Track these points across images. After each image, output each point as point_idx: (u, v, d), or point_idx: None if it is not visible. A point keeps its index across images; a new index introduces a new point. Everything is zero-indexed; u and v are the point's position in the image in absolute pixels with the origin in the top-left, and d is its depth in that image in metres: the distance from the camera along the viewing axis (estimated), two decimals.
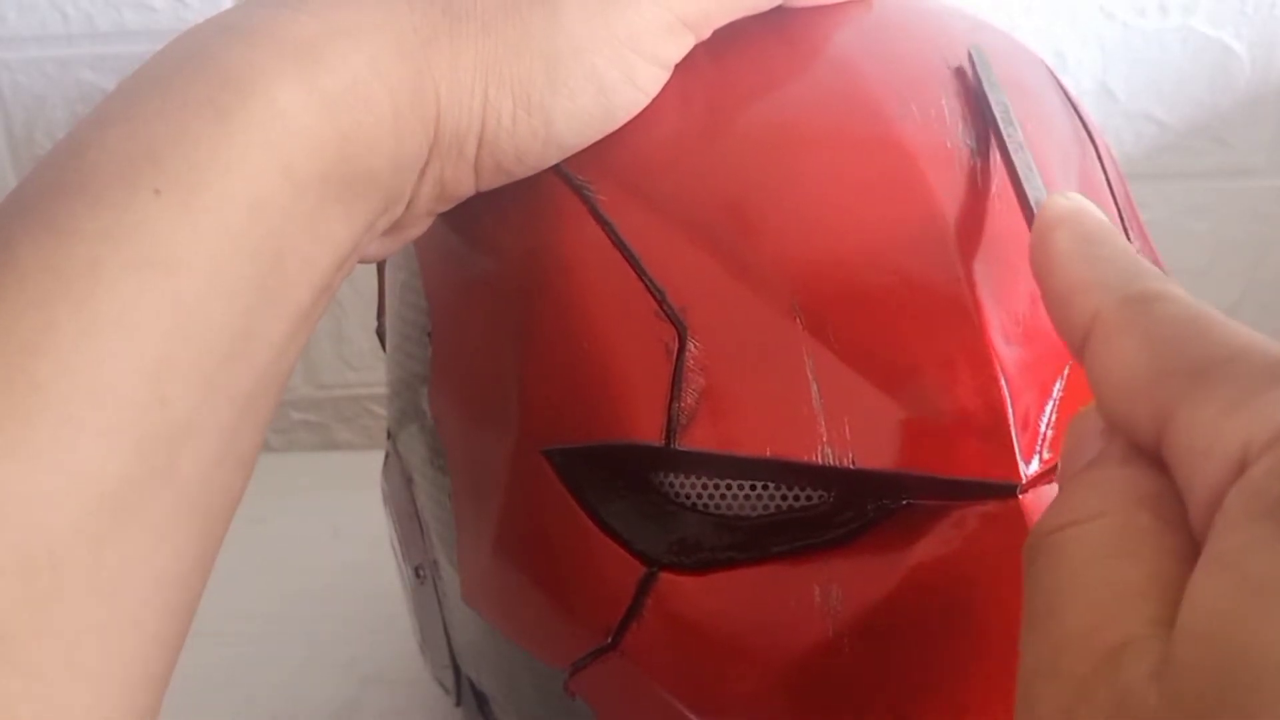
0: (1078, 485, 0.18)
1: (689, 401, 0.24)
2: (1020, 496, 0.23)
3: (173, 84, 0.22)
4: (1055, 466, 0.23)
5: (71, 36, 0.53)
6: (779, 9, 0.28)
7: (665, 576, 0.25)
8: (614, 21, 0.25)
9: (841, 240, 0.25)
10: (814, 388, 0.24)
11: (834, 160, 0.25)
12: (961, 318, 0.24)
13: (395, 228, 0.26)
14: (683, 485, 0.25)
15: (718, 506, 0.25)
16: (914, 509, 0.24)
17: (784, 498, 0.25)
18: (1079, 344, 0.19)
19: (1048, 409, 0.24)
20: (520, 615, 0.28)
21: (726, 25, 0.27)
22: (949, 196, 0.25)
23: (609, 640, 0.26)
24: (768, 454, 0.24)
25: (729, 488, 0.25)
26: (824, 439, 0.24)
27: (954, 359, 0.24)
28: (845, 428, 0.24)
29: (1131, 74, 0.54)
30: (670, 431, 0.24)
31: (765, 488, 0.25)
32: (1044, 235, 0.21)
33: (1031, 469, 0.23)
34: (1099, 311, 0.19)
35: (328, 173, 0.23)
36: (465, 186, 0.26)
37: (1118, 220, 0.28)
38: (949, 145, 0.26)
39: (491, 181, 0.26)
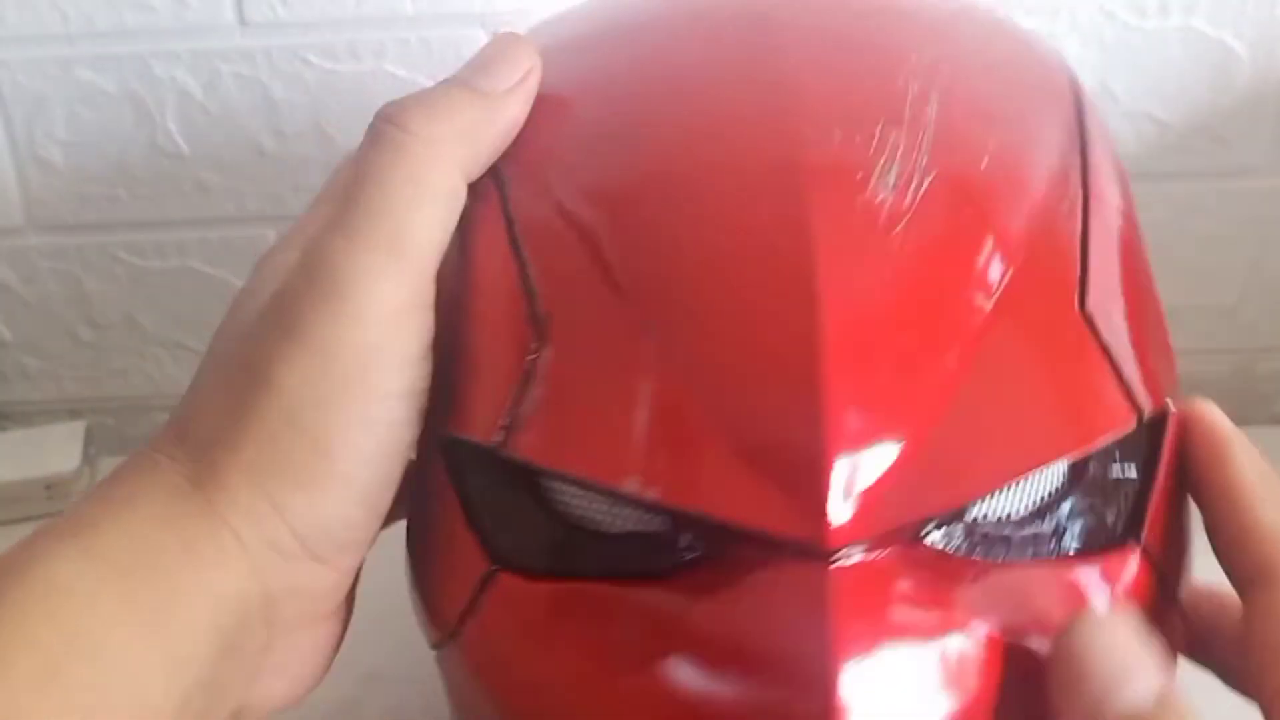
0: None
1: (526, 409, 0.24)
2: (829, 566, 0.22)
3: None
4: (883, 541, 0.22)
5: (71, 36, 0.53)
6: None
7: (503, 577, 0.25)
8: (336, 366, 0.24)
9: (709, 270, 0.24)
10: (645, 414, 0.23)
11: (725, 185, 0.25)
12: (804, 375, 0.22)
13: (288, 645, 0.26)
14: (560, 492, 0.25)
15: (582, 516, 0.25)
16: (739, 555, 0.23)
17: (638, 520, 0.25)
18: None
19: (876, 479, 0.22)
20: (412, 588, 0.28)
21: (682, 19, 0.27)
22: (831, 237, 0.23)
23: (454, 628, 0.26)
24: (578, 474, 0.24)
25: (593, 500, 0.25)
26: (636, 467, 0.23)
27: (788, 415, 0.22)
28: (662, 460, 0.23)
29: (1131, 74, 0.54)
30: (504, 436, 0.24)
31: (626, 504, 0.24)
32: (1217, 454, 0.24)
33: (846, 539, 0.22)
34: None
35: (133, 632, 0.22)
36: (319, 577, 0.26)
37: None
38: (858, 178, 0.24)
39: (348, 555, 0.26)
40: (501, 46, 0.27)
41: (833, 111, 0.25)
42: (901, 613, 0.22)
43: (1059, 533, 0.24)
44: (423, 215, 0.25)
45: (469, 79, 0.27)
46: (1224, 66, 0.54)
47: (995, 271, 0.24)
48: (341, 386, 0.24)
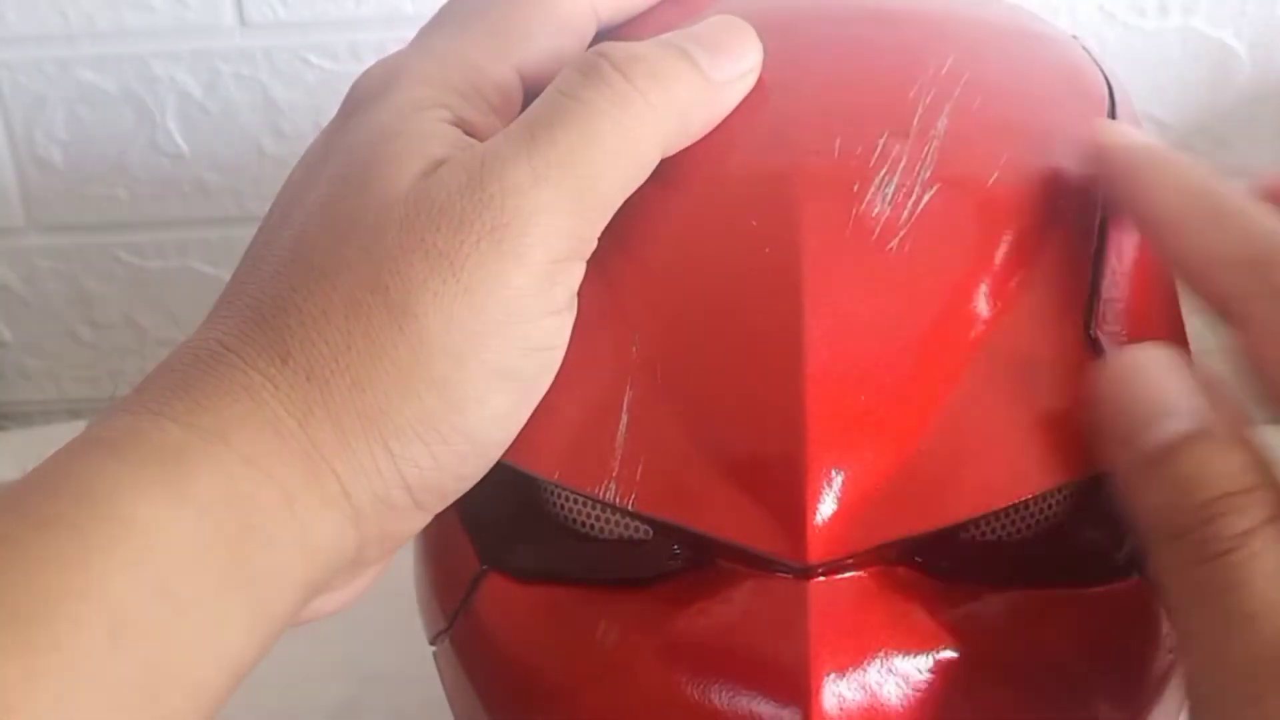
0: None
1: None
2: (809, 580, 0.22)
3: (24, 503, 0.20)
4: (866, 559, 0.22)
5: (71, 36, 0.53)
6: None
7: (493, 577, 0.25)
8: (486, 308, 0.22)
9: (696, 280, 0.24)
10: (623, 421, 0.23)
11: (721, 194, 0.24)
12: (787, 390, 0.22)
13: (354, 575, 0.24)
14: (553, 495, 0.25)
15: (573, 520, 0.25)
16: (723, 566, 0.23)
17: (625, 527, 0.25)
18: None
19: (858, 496, 0.22)
20: (416, 584, 0.29)
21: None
22: (820, 250, 0.23)
23: (446, 626, 0.26)
24: (555, 478, 0.24)
25: (584, 505, 0.25)
26: (613, 474, 0.23)
27: (770, 429, 0.22)
28: (638, 468, 0.23)
29: (1132, 74, 0.54)
30: None
31: (614, 511, 0.24)
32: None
33: (825, 554, 0.22)
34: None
35: (217, 583, 0.20)
36: (416, 522, 0.24)
37: None
38: (854, 189, 0.23)
39: (445, 503, 0.24)
40: (731, 30, 0.25)
41: (836, 122, 0.24)
42: (882, 630, 0.22)
43: (1057, 561, 0.24)
44: (620, 173, 0.23)
45: (694, 53, 0.24)
46: (1224, 66, 0.54)
47: (993, 289, 0.23)
48: (486, 333, 0.22)
